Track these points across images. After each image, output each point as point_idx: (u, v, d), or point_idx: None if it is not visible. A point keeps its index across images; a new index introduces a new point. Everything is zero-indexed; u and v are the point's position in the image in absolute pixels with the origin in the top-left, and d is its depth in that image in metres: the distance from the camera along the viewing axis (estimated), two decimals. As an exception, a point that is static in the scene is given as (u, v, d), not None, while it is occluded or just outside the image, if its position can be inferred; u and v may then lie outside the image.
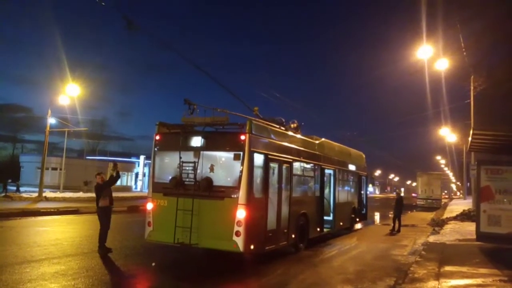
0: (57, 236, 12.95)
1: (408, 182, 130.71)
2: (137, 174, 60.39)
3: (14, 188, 34.84)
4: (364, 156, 19.26)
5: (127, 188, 56.01)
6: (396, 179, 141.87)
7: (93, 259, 9.27)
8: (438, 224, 20.67)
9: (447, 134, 35.62)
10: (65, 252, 9.94)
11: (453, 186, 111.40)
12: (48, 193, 31.39)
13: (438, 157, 66.27)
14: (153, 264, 8.48)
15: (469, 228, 15.95)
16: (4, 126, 63.20)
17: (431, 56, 17.25)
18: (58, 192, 35.94)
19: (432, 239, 14.53)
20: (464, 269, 9.00)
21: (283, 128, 11.29)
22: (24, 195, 29.96)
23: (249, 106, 11.37)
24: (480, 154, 18.41)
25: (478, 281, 7.89)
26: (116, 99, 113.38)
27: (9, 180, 31.05)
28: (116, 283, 7.45)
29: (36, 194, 29.43)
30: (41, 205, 23.41)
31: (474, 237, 12.45)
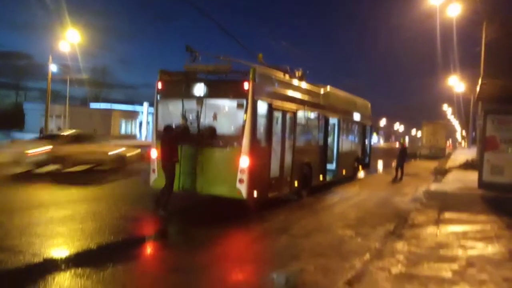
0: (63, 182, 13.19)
1: (413, 132, 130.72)
2: (141, 122, 60.57)
3: (18, 135, 35.34)
4: (369, 105, 19.06)
5: (132, 136, 56.50)
6: (401, 129, 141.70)
7: (100, 204, 9.49)
8: (440, 173, 20.86)
9: (456, 83, 34.98)
10: (71, 198, 10.18)
11: (458, 136, 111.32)
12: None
13: (445, 107, 65.64)
14: (161, 213, 8.63)
15: (472, 177, 16.07)
16: (7, 74, 63.03)
17: (443, 2, 16.54)
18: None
19: (433, 187, 14.71)
20: (463, 216, 9.17)
21: (287, 76, 11.08)
22: (30, 142, 30.27)
23: (253, 53, 11.11)
24: (487, 104, 18.16)
25: (477, 227, 8.05)
26: (118, 46, 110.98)
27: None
28: (123, 227, 7.67)
29: (41, 142, 29.71)
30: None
31: (476, 186, 12.60)
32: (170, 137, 8.89)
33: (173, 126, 9.15)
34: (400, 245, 6.66)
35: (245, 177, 8.60)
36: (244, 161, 8.62)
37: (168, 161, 8.79)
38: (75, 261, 5.64)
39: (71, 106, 42.95)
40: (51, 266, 5.34)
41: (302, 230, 8.10)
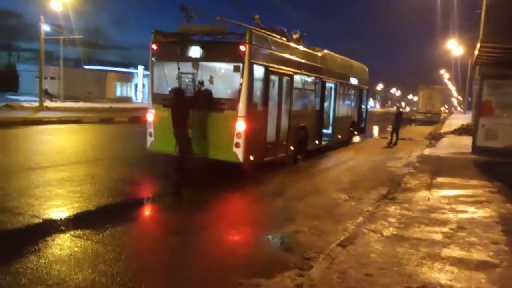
0: (60, 144, 13.25)
1: (410, 97, 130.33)
2: (136, 85, 59.89)
3: (13, 97, 34.98)
4: (367, 69, 18.90)
5: (127, 99, 56.00)
6: (398, 93, 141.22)
7: (98, 167, 9.57)
8: (435, 138, 21.03)
9: (454, 47, 34.62)
10: (69, 160, 10.22)
11: (455, 101, 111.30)
12: (48, 103, 31.46)
13: (442, 71, 65.23)
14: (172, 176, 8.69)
15: (466, 142, 16.24)
16: (-3, 33, 61.32)
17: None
18: (59, 102, 36.01)
19: (427, 152, 14.87)
20: (455, 180, 9.34)
21: (284, 39, 10.90)
22: (25, 104, 30.01)
23: (249, 14, 10.87)
24: (485, 68, 18.05)
25: (469, 191, 8.22)
26: (110, 5, 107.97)
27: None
28: (121, 189, 7.77)
29: (37, 104, 29.49)
30: (43, 114, 23.57)
31: (470, 150, 12.75)
32: (181, 103, 8.56)
33: (183, 90, 8.84)
34: (393, 208, 6.82)
35: (241, 141, 8.64)
36: (240, 125, 8.64)
37: (182, 129, 8.51)
38: (75, 222, 5.75)
39: (65, 68, 42.19)
40: (50, 228, 5.45)
41: (297, 193, 8.25)
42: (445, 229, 5.75)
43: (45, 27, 30.29)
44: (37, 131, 16.62)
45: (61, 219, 5.85)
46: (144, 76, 55.25)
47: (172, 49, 9.45)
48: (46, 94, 36.95)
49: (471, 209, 6.89)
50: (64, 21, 35.18)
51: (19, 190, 7.12)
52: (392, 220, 6.16)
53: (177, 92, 8.65)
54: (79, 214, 6.12)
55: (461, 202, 7.33)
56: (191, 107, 8.70)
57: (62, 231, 5.35)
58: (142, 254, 4.85)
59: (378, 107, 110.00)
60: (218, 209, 6.99)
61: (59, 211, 6.19)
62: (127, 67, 62.46)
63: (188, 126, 8.59)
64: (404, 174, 10.37)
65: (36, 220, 5.71)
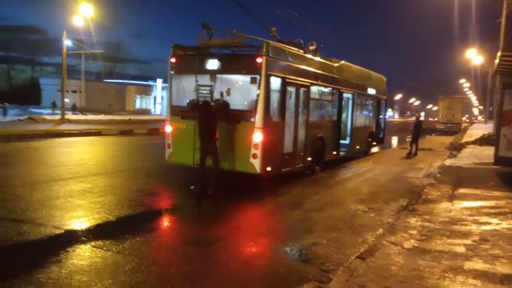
0: (81, 156, 13.49)
1: (429, 106, 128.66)
2: (155, 98, 60.84)
3: (36, 110, 36.14)
4: (385, 79, 18.78)
5: (147, 111, 56.87)
6: (417, 103, 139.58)
7: (118, 178, 9.70)
8: (455, 148, 20.62)
9: (474, 56, 34.15)
10: (90, 172, 10.40)
11: (475, 110, 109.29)
12: (70, 115, 32.19)
13: (462, 81, 64.28)
14: (192, 187, 8.76)
15: (487, 152, 15.90)
16: (21, 49, 63.44)
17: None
18: (80, 114, 36.81)
19: (448, 162, 14.60)
20: (478, 191, 9.12)
21: (301, 51, 10.95)
22: (47, 117, 30.78)
23: (267, 27, 10.96)
24: (506, 78, 17.73)
25: (491, 203, 8.02)
26: (131, 20, 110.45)
27: (5, 103, 31.76)
28: (140, 200, 7.84)
29: (58, 116, 30.18)
30: (64, 127, 24.12)
31: (492, 161, 12.46)
32: (208, 114, 8.54)
33: (210, 102, 8.85)
34: (413, 220, 6.70)
35: (258, 152, 8.66)
36: (258, 136, 8.67)
37: (211, 141, 8.51)
38: (95, 233, 5.83)
39: (86, 81, 43.22)
40: (71, 238, 5.53)
41: (315, 204, 8.19)
42: (468, 241, 5.62)
43: (67, 42, 31.20)
44: (58, 143, 17.00)
45: (82, 230, 5.94)
46: (163, 88, 56.12)
47: (191, 62, 9.60)
48: (74, 108, 38.27)
49: (494, 220, 6.72)
50: (86, 36, 36.15)
51: (41, 201, 7.27)
52: (413, 232, 6.05)
53: (204, 104, 8.67)
54: (99, 225, 6.21)
55: (483, 214, 7.15)
56: (218, 118, 8.70)
57: (83, 242, 5.42)
58: (161, 265, 4.87)
59: (397, 117, 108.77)
60: (236, 220, 6.99)
61: (80, 222, 6.29)
62: (146, 80, 63.59)
63: (216, 138, 8.60)
64: (424, 185, 10.19)
65: (58, 231, 5.80)
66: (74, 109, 39.85)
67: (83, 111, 40.15)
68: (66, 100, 33.65)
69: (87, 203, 7.35)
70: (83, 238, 5.57)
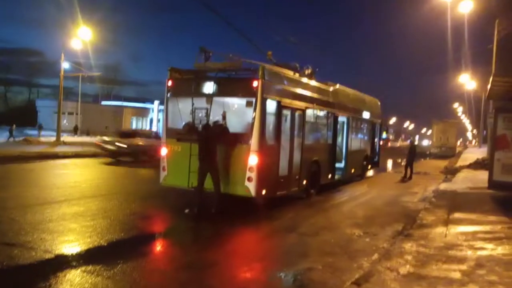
0: (75, 178, 13.40)
1: (424, 130, 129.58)
2: (151, 120, 60.96)
3: (32, 132, 36.02)
4: (379, 103, 18.96)
5: (142, 133, 56.76)
6: (411, 127, 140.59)
7: (111, 201, 9.61)
8: (450, 172, 20.70)
9: (467, 81, 34.62)
10: (83, 194, 10.31)
11: (469, 135, 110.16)
12: (65, 137, 32.11)
13: (456, 105, 64.98)
14: (186, 211, 8.73)
15: (482, 176, 15.93)
16: (18, 71, 63.77)
17: (455, -2, 16.40)
18: (76, 136, 36.75)
19: (443, 186, 14.61)
20: (473, 216, 9.10)
21: (297, 74, 11.08)
22: (42, 139, 30.72)
23: (262, 50, 11.12)
24: (499, 102, 17.95)
25: (487, 228, 7.99)
26: (129, 43, 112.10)
27: (14, 126, 31.72)
28: (133, 224, 7.76)
29: (54, 138, 30.11)
30: (59, 149, 24.02)
31: (486, 185, 12.46)
32: (209, 136, 8.63)
33: (211, 125, 8.89)
34: (409, 245, 6.65)
35: (253, 175, 8.64)
36: (253, 159, 8.66)
37: (211, 163, 8.60)
38: (86, 258, 5.73)
39: (83, 103, 43.38)
40: (62, 263, 5.43)
41: (311, 229, 8.12)
42: (464, 267, 5.57)
43: (65, 65, 31.41)
44: (53, 165, 16.90)
45: (72, 255, 5.84)
46: (159, 110, 56.30)
47: (187, 85, 9.68)
48: (76, 130, 38.31)
49: (489, 246, 6.67)
50: (84, 58, 36.46)
51: (33, 224, 7.17)
52: (409, 257, 5.99)
53: (205, 126, 8.76)
54: (90, 250, 6.11)
55: (479, 239, 7.11)
56: (219, 140, 8.76)
57: (74, 267, 5.32)
58: (153, 291, 4.78)
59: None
60: (230, 244, 6.91)
61: (71, 246, 6.19)
62: (143, 102, 63.83)
63: (216, 161, 8.65)
64: (419, 209, 10.16)
65: (48, 255, 5.70)
66: (75, 131, 39.73)
67: (88, 133, 40.21)
68: (64, 121, 33.66)
69: (79, 227, 7.25)
70: (73, 263, 5.47)
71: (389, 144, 67.80)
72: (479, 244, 6.78)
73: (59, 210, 8.43)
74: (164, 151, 9.83)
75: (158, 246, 6.99)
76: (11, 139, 29.26)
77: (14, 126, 31.87)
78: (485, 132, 43.26)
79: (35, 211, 8.22)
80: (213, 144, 8.64)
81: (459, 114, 71.24)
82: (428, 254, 6.18)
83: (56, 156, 20.09)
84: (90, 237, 6.69)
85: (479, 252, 6.30)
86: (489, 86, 12.21)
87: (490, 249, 6.48)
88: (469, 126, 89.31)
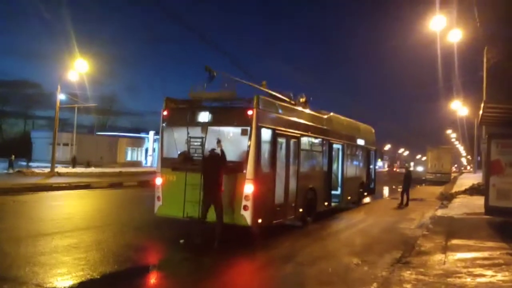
0: (69, 210, 13.24)
1: (418, 157, 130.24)
2: (146, 150, 60.98)
3: (25, 163, 35.66)
4: (373, 130, 19.14)
5: (137, 163, 56.67)
6: (406, 153, 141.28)
7: (105, 233, 9.47)
8: (446, 198, 20.67)
9: (459, 108, 35.09)
10: (77, 226, 10.16)
11: (464, 160, 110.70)
12: (60, 168, 31.91)
13: (449, 131, 65.58)
14: (181, 241, 8.63)
15: (478, 202, 15.90)
16: (15, 102, 63.89)
17: (444, 28, 16.83)
18: (70, 168, 36.52)
19: (440, 212, 14.55)
20: (471, 242, 9.04)
21: (291, 103, 11.21)
22: (36, 170, 30.49)
23: (255, 85, 11.18)
24: (491, 128, 18.18)
25: (485, 254, 7.92)
26: (125, 74, 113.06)
27: (13, 157, 31.49)
28: (127, 256, 7.62)
29: (48, 170, 29.93)
30: (54, 180, 23.83)
31: (483, 211, 12.43)
32: (214, 166, 8.49)
33: (216, 153, 8.71)
34: (408, 273, 6.55)
35: (249, 203, 8.58)
36: (249, 188, 8.63)
37: (216, 193, 8.44)
38: (79, 291, 5.60)
39: (78, 134, 43.37)
40: (54, 297, 5.30)
41: (308, 258, 8.01)
42: (464, 295, 5.48)
43: (61, 96, 31.60)
44: (47, 197, 16.72)
45: (65, 288, 5.70)
46: (155, 140, 56.37)
47: (182, 114, 9.74)
48: (75, 162, 37.94)
49: (489, 272, 6.60)
50: (80, 90, 36.74)
51: (25, 258, 7.03)
52: (408, 286, 5.90)
53: (210, 155, 8.61)
54: (83, 283, 5.95)
55: (478, 265, 7.04)
56: (223, 170, 8.61)
57: (66, 301, 5.19)
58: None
59: (386, 167, 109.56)
60: (226, 275, 6.79)
61: (63, 280, 6.04)
62: (138, 132, 63.96)
63: (221, 190, 8.50)
64: (417, 236, 10.08)
65: (40, 290, 5.57)
66: (74, 162, 39.23)
67: (89, 164, 39.92)
68: (58, 153, 33.50)
69: (72, 259, 7.11)
70: (66, 297, 5.33)
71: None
72: (478, 271, 6.70)
73: (52, 242, 8.28)
74: (159, 181, 9.77)
75: (153, 279, 6.85)
76: (11, 170, 29.04)
77: (13, 157, 31.64)
78: (479, 157, 43.53)
79: (27, 243, 8.08)
80: (219, 173, 8.50)
81: (453, 140, 71.83)
82: (428, 282, 6.09)
83: (50, 188, 19.87)
84: (83, 270, 6.55)
85: (479, 279, 6.22)
86: (480, 113, 12.41)
87: (490, 276, 6.40)
88: (463, 152, 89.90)
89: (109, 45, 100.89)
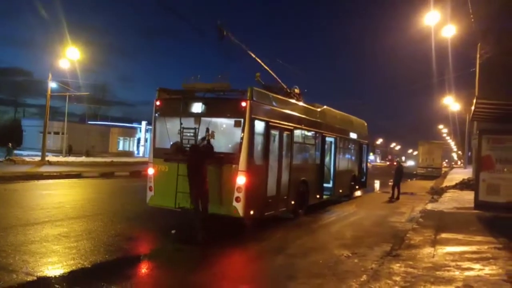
0: (60, 199, 13.14)
1: (410, 151, 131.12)
2: (139, 140, 60.68)
3: (17, 152, 35.30)
4: (366, 124, 19.20)
5: (129, 153, 56.43)
6: (398, 147, 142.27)
7: (95, 222, 9.43)
8: (437, 193, 20.87)
9: (451, 103, 35.36)
10: (67, 215, 10.10)
11: (454, 155, 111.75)
12: (51, 157, 31.66)
13: (441, 126, 66.10)
14: (173, 231, 8.62)
15: (468, 197, 16.10)
16: (5, 90, 63.06)
17: (438, 23, 16.85)
18: (61, 156, 36.25)
19: (430, 207, 14.69)
20: (460, 236, 9.14)
21: (285, 96, 11.19)
22: (27, 159, 30.22)
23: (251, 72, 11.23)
24: (482, 124, 18.31)
25: (474, 248, 8.02)
26: (117, 64, 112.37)
27: (10, 144, 31.16)
28: (118, 245, 7.60)
29: (39, 158, 29.67)
30: (44, 169, 23.64)
31: (472, 205, 12.59)
32: (198, 158, 8.45)
33: (199, 145, 8.75)
34: (397, 266, 6.62)
35: (241, 195, 8.59)
36: (241, 180, 8.63)
37: (201, 184, 8.37)
38: (69, 280, 5.59)
39: (69, 123, 42.95)
40: (44, 286, 5.29)
41: (299, 250, 8.05)
42: (452, 288, 5.55)
43: (52, 84, 31.23)
44: (37, 186, 16.59)
45: (55, 277, 5.67)
46: (147, 130, 56.08)
47: (175, 105, 9.67)
48: (70, 150, 37.63)
49: (477, 266, 6.69)
50: (72, 78, 36.33)
51: (15, 246, 6.98)
52: (397, 278, 5.96)
53: (193, 148, 8.61)
54: (73, 272, 5.94)
55: (466, 259, 7.13)
56: (207, 161, 8.60)
57: (56, 290, 5.17)
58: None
59: (378, 161, 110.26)
60: (218, 266, 6.80)
61: (53, 269, 6.02)
62: (131, 122, 63.53)
63: (207, 183, 8.44)
64: (407, 229, 10.18)
65: (30, 278, 5.53)
66: (70, 151, 38.93)
67: (88, 153, 39.60)
68: (48, 141, 33.22)
69: (62, 248, 7.08)
70: (56, 286, 5.32)
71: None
72: (466, 264, 6.79)
73: (42, 231, 8.23)
74: (151, 171, 9.74)
75: (144, 269, 6.84)
76: (8, 157, 28.72)
77: (11, 144, 31.30)
78: (470, 153, 43.96)
79: (17, 232, 8.02)
80: (203, 166, 8.46)
81: (444, 135, 72.42)
82: (417, 274, 6.16)
83: (40, 176, 19.72)
84: (74, 259, 6.52)
85: (467, 273, 6.30)
86: (472, 108, 12.47)
87: (478, 270, 6.49)
88: (454, 147, 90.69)
89: (102, 34, 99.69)
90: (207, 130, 8.92)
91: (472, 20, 15.91)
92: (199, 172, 8.43)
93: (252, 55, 10.93)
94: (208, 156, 8.67)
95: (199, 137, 9.10)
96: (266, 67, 11.15)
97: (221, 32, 9.63)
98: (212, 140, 9.12)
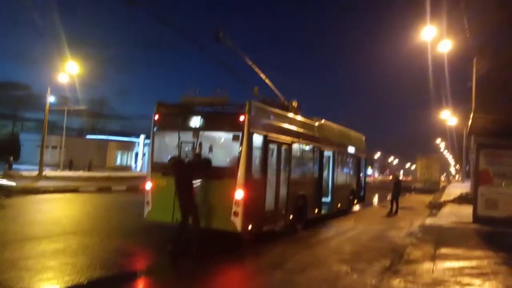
0: (56, 214, 13.07)
1: (408, 165, 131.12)
2: (136, 154, 60.53)
3: (14, 166, 35.16)
4: (364, 138, 19.23)
5: (127, 168, 56.24)
6: (396, 161, 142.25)
7: (92, 237, 9.35)
8: (435, 207, 20.80)
9: (448, 117, 35.47)
10: (64, 230, 10.03)
11: (452, 170, 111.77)
12: (48, 172, 31.50)
13: (438, 141, 66.26)
14: (169, 246, 8.55)
15: (466, 211, 16.05)
16: (4, 104, 63.02)
17: (434, 38, 17.04)
18: (58, 171, 36.12)
19: (429, 221, 14.63)
20: (459, 251, 9.10)
21: (283, 109, 11.23)
22: (24, 173, 30.03)
23: (250, 87, 11.29)
24: (480, 138, 18.39)
25: (473, 263, 7.98)
26: (116, 77, 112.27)
27: (11, 158, 31.08)
28: (114, 261, 7.53)
29: (36, 172, 29.53)
30: (41, 184, 23.50)
31: (471, 219, 12.57)
32: (184, 171, 8.46)
33: (185, 159, 8.85)
34: (397, 281, 6.57)
35: (239, 210, 8.54)
36: (239, 194, 8.60)
37: (189, 198, 8.34)
38: (65, 296, 5.51)
39: (67, 137, 42.92)
40: (40, 302, 5.21)
41: (297, 265, 7.98)
42: (452, 304, 5.50)
43: (50, 98, 31.26)
44: (34, 200, 16.49)
45: (51, 293, 5.60)
46: (145, 144, 55.98)
47: (174, 119, 9.69)
48: (71, 165, 37.45)
49: (477, 281, 6.64)
50: (70, 92, 36.41)
51: (11, 262, 6.91)
52: (396, 294, 5.91)
53: (179, 161, 8.67)
54: (69, 288, 5.87)
55: (466, 275, 7.08)
56: (194, 175, 8.59)
57: (51, 306, 5.10)
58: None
59: (376, 175, 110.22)
60: (216, 282, 6.73)
61: (49, 285, 5.96)
62: (129, 136, 63.44)
63: (193, 193, 8.44)
64: (406, 244, 10.12)
65: (25, 294, 5.47)
66: (70, 165, 38.64)
67: (90, 167, 39.49)
68: (46, 156, 33.12)
69: (59, 264, 7.01)
70: (51, 303, 5.24)
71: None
72: (466, 280, 6.74)
73: (39, 247, 8.15)
74: (148, 186, 9.70)
75: (140, 285, 6.76)
76: (8, 171, 28.58)
77: (12, 158, 31.18)
78: (467, 167, 44.01)
79: (14, 247, 7.95)
80: (189, 179, 8.44)
81: (442, 149, 72.54)
82: (416, 290, 6.11)
83: (38, 191, 19.58)
84: (70, 275, 6.45)
85: (467, 288, 6.25)
86: (469, 122, 12.55)
87: (477, 285, 6.45)
88: (451, 161, 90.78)
89: (100, 48, 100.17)
90: (200, 144, 8.95)
91: (468, 35, 16.10)
92: (186, 187, 8.39)
93: (249, 62, 10.99)
94: (196, 171, 8.65)
95: (197, 151, 9.10)
96: (262, 76, 11.20)
97: (217, 34, 9.70)
98: (210, 154, 9.12)
